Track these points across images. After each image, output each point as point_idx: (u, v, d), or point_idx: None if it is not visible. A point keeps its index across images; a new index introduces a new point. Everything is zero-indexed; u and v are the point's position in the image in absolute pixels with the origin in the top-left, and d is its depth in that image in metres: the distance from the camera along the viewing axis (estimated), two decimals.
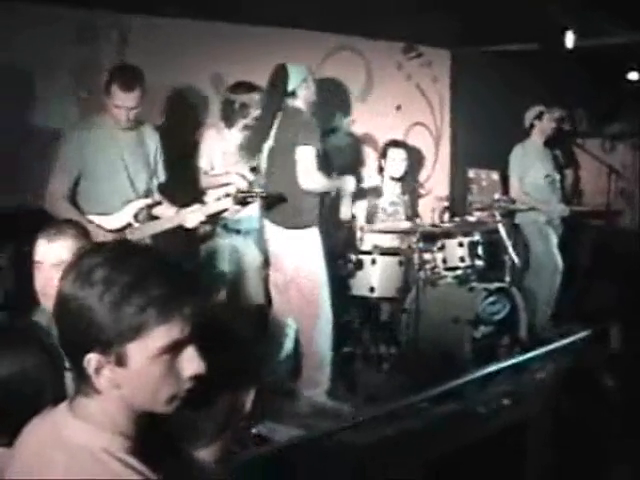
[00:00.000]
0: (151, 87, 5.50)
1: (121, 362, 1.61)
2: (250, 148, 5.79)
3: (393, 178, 7.15)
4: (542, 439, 2.38)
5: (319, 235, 5.65)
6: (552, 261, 7.62)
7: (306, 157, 5.48)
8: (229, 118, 6.00)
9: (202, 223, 5.14)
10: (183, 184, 5.83)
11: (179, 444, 1.87)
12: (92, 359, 1.61)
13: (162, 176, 5.35)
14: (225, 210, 5.30)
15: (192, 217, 5.05)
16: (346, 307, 6.63)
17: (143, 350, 1.61)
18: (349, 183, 5.94)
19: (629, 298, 7.20)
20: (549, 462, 2.35)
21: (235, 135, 5.98)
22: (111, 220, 4.97)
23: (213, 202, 5.32)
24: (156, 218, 5.20)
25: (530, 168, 7.65)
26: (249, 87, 5.95)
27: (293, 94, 5.63)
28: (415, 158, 7.84)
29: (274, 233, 5.68)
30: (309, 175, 5.50)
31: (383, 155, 7.15)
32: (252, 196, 5.21)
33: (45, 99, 5.71)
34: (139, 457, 1.63)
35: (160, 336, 1.62)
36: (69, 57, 5.85)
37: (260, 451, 2.11)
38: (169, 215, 5.16)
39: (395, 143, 7.23)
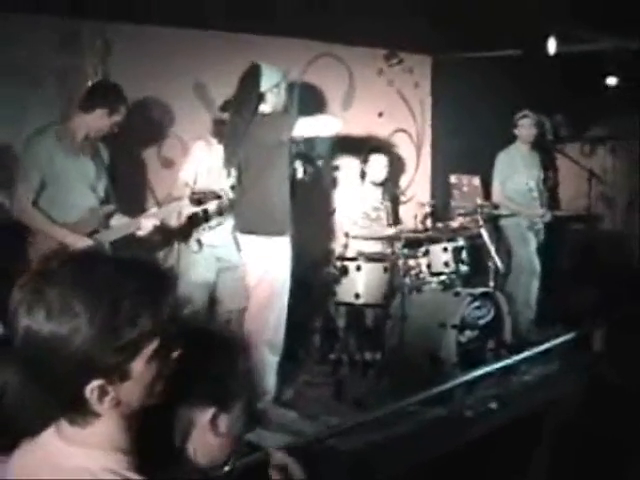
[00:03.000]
0: (134, 96, 5.62)
1: (125, 377, 1.57)
2: (228, 162, 5.64)
3: (374, 183, 7.21)
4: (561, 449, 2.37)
5: (289, 244, 5.54)
6: (531, 265, 7.69)
7: (307, 124, 5.42)
8: (220, 135, 5.90)
9: (156, 229, 5.15)
10: (138, 194, 5.89)
11: (177, 449, 1.86)
12: (95, 388, 1.54)
13: (114, 186, 5.35)
14: (179, 212, 5.41)
15: (146, 223, 5.08)
16: (331, 313, 6.68)
17: (142, 357, 1.57)
18: (331, 123, 5.70)
19: (611, 301, 7.25)
20: (539, 464, 2.34)
21: (219, 150, 5.88)
22: (79, 226, 5.00)
23: (166, 206, 5.36)
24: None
25: (514, 174, 7.72)
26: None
27: (262, 97, 5.46)
28: (397, 164, 7.87)
29: (247, 242, 5.56)
30: (325, 125, 5.56)
31: (365, 160, 7.19)
32: (207, 197, 5.21)
33: (30, 106, 5.69)
34: (139, 471, 1.59)
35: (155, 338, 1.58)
36: (53, 65, 5.83)
37: (249, 458, 2.09)
38: (124, 222, 5.18)
39: (377, 149, 7.28)
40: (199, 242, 5.91)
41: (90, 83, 5.17)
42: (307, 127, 5.41)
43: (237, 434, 1.96)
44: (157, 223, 5.10)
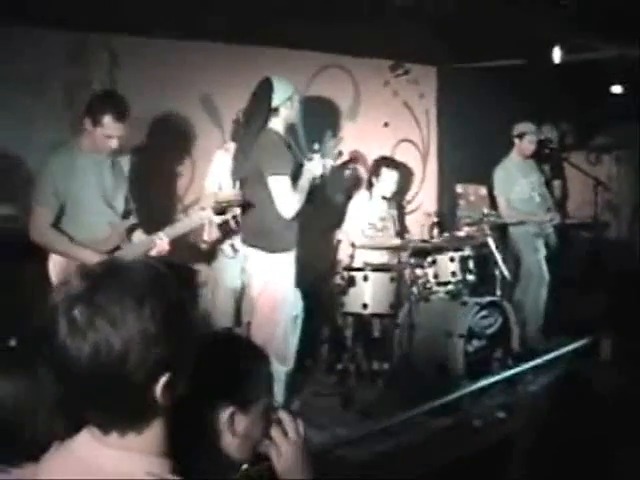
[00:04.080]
0: (141, 109, 5.61)
1: (181, 367, 1.60)
2: (236, 168, 5.65)
3: (384, 197, 7.22)
4: (532, 451, 2.36)
5: (294, 261, 5.53)
6: (540, 273, 7.66)
7: (280, 187, 5.34)
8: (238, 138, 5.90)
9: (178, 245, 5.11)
10: (159, 209, 5.88)
11: (213, 449, 1.89)
12: (164, 384, 1.56)
13: (136, 200, 5.29)
14: (197, 225, 5.30)
15: (160, 242, 5.01)
16: (339, 324, 6.69)
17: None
18: (315, 166, 5.53)
19: (619, 309, 7.22)
20: (542, 473, 2.32)
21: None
22: (106, 243, 4.94)
23: (181, 222, 5.30)
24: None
25: (514, 186, 7.69)
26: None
27: (276, 111, 5.44)
28: (403, 175, 7.84)
29: (253, 256, 5.54)
30: (288, 204, 5.35)
31: (376, 173, 7.17)
32: (231, 204, 5.15)
33: (37, 118, 5.73)
34: (179, 474, 1.60)
35: None
36: (60, 78, 5.87)
37: (255, 468, 2.11)
38: (143, 239, 5.12)
39: (390, 164, 7.26)
40: (233, 247, 5.94)
41: (93, 94, 5.09)
42: (277, 189, 5.34)
43: (255, 438, 1.98)
44: (168, 241, 5.02)
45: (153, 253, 4.96)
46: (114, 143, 4.85)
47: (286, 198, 5.34)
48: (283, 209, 5.35)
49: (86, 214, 4.90)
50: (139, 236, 5.18)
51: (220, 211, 5.12)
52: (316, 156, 5.55)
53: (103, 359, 1.49)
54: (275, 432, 2.03)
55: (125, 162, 5.31)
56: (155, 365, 1.52)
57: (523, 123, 7.73)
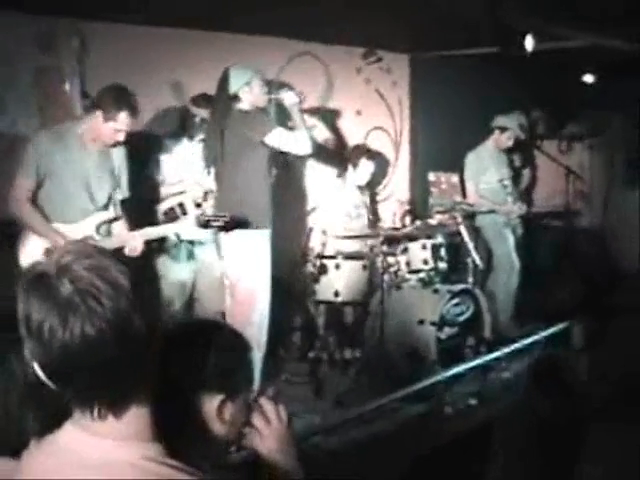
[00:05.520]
0: None
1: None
2: (207, 157, 5.70)
3: (358, 186, 7.20)
4: (511, 438, 2.37)
5: (269, 238, 5.55)
6: (510, 262, 7.70)
7: (281, 137, 5.45)
8: (190, 130, 5.99)
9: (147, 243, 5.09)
10: (142, 200, 5.77)
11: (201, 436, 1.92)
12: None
13: (125, 192, 5.29)
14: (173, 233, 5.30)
15: (133, 242, 5.00)
16: (311, 312, 6.69)
17: None
18: (290, 96, 5.65)
19: (590, 296, 7.28)
20: (519, 462, 2.33)
21: (196, 146, 5.93)
22: (74, 229, 4.92)
23: (164, 227, 5.33)
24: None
25: (484, 173, 7.71)
26: (210, 100, 5.82)
27: (236, 98, 5.51)
28: (379, 164, 7.79)
29: (226, 238, 5.52)
30: (300, 141, 5.48)
31: (354, 163, 7.12)
32: (216, 220, 5.12)
33: (8, 103, 5.68)
34: (174, 458, 1.59)
35: None
36: (29, 64, 5.80)
37: (231, 457, 2.11)
38: (120, 235, 5.13)
39: (368, 154, 7.24)
40: (177, 236, 5.77)
41: (104, 87, 5.03)
42: (280, 140, 5.46)
43: (240, 423, 2.02)
44: (141, 244, 5.02)
45: (126, 251, 4.92)
46: (122, 136, 4.94)
47: (294, 138, 5.48)
48: (299, 148, 5.53)
49: (61, 196, 4.92)
50: (120, 229, 5.19)
51: (204, 224, 5.09)
52: (282, 90, 5.74)
53: (86, 337, 1.47)
54: (257, 419, 2.06)
55: (118, 155, 5.23)
56: (135, 342, 1.52)
57: (508, 117, 7.78)
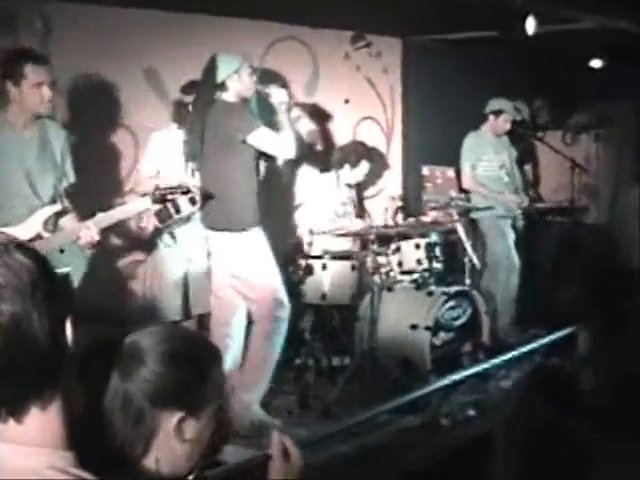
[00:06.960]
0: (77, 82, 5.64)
1: None
2: (189, 150, 5.58)
3: (350, 185, 7.11)
4: (512, 448, 2.19)
5: (262, 235, 5.45)
6: (509, 259, 7.57)
7: (264, 137, 5.31)
8: (182, 120, 5.80)
9: (104, 231, 4.81)
10: (95, 188, 5.68)
11: (135, 456, 1.84)
12: None
13: (71, 178, 5.01)
14: (132, 215, 5.16)
15: (85, 232, 4.67)
16: (296, 316, 6.41)
17: None
18: (280, 93, 5.53)
19: (597, 299, 7.16)
20: (519, 472, 2.15)
21: (177, 138, 5.80)
22: (20, 230, 4.58)
23: (113, 210, 5.02)
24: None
25: (483, 156, 7.63)
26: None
27: (223, 86, 5.38)
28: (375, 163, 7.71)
29: (214, 239, 5.50)
30: (284, 143, 5.34)
31: (353, 164, 6.97)
32: (172, 192, 4.88)
33: None
34: (86, 470, 1.54)
35: None
36: None
37: (214, 473, 2.03)
38: (71, 227, 4.83)
39: (369, 155, 7.12)
40: (172, 235, 5.84)
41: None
42: (263, 141, 5.34)
43: (204, 442, 1.95)
44: (97, 232, 4.70)
45: (81, 243, 4.68)
46: (46, 91, 4.63)
47: (278, 140, 5.35)
48: (282, 151, 5.44)
49: (4, 197, 4.66)
50: (69, 222, 4.88)
51: (160, 199, 4.85)
52: (272, 87, 5.63)
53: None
54: (276, 452, 2.04)
55: (57, 138, 4.94)
56: (34, 344, 1.48)
57: (500, 100, 7.64)
